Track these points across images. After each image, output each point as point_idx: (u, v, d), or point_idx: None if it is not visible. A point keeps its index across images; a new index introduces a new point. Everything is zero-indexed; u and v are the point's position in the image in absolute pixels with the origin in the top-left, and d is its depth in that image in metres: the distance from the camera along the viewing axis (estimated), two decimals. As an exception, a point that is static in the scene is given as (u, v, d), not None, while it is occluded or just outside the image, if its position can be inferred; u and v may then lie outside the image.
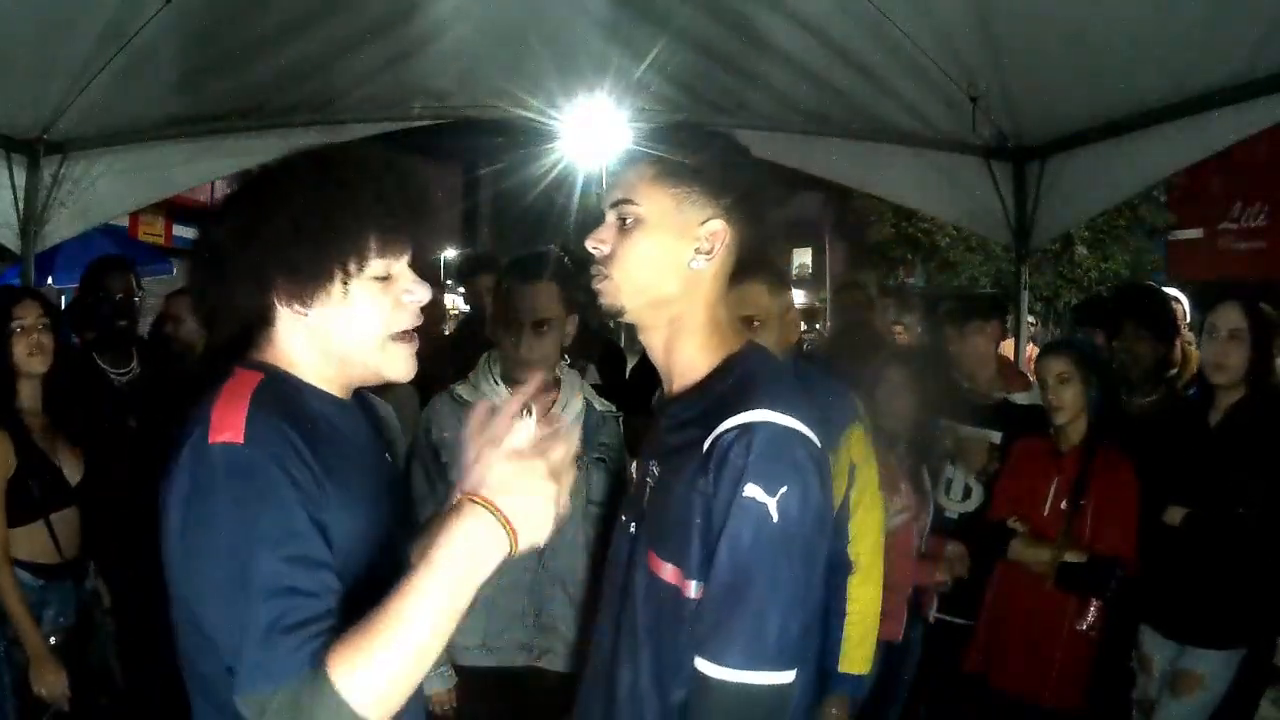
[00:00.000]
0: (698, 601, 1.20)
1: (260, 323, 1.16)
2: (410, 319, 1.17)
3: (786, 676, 1.16)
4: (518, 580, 2.16)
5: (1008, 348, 4.11)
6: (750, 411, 1.18)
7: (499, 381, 2.22)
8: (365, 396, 1.25)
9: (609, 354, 5.10)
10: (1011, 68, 3.47)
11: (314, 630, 0.98)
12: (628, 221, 1.29)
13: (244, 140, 3.95)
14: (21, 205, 3.79)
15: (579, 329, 2.27)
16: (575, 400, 2.26)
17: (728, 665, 1.15)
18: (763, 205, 1.33)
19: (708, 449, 1.19)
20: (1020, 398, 3.18)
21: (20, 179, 3.76)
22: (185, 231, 13.79)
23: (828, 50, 3.55)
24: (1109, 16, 2.94)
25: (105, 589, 2.77)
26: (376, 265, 1.13)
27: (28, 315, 2.57)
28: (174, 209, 12.63)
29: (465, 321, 4.65)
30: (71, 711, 2.52)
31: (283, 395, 1.11)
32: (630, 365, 5.05)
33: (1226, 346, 2.57)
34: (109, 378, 3.24)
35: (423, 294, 1.17)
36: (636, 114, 4.12)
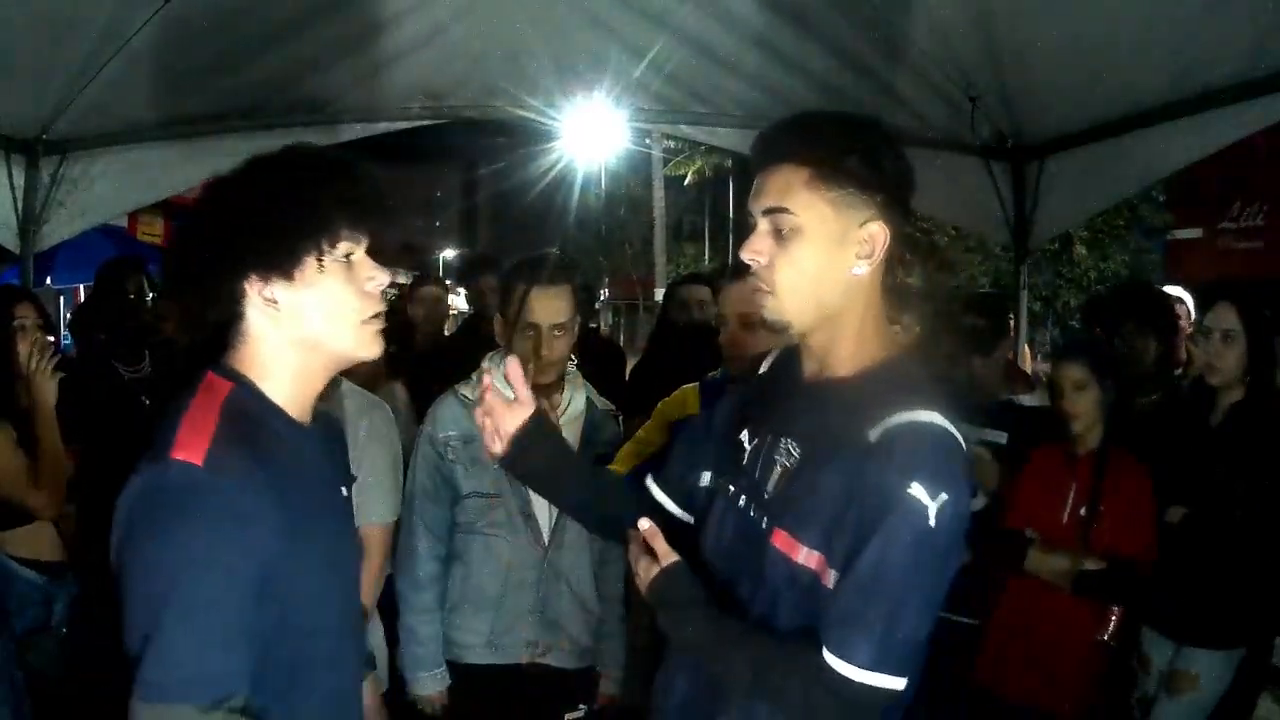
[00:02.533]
0: (832, 591, 1.17)
1: (231, 318, 1.17)
2: (378, 304, 1.22)
3: (900, 683, 1.14)
4: (523, 578, 2.18)
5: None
6: (924, 412, 1.15)
7: (505, 383, 2.22)
8: (328, 417, 1.28)
9: (609, 354, 5.10)
10: (1010, 68, 3.48)
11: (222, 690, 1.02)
12: (784, 232, 1.22)
13: (244, 140, 3.94)
14: (20, 205, 3.79)
15: (581, 329, 2.30)
16: (578, 399, 2.27)
17: (854, 663, 1.12)
18: (910, 194, 1.26)
19: (877, 440, 1.14)
20: (1025, 399, 3.19)
21: (19, 179, 3.76)
22: (184, 231, 13.79)
23: (826, 50, 3.55)
24: (1108, 16, 2.95)
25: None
26: (343, 246, 1.17)
27: (28, 316, 2.59)
28: (173, 209, 12.62)
29: (467, 322, 4.66)
30: (80, 697, 2.53)
31: (251, 415, 1.13)
32: (630, 365, 5.06)
33: (1220, 347, 2.56)
34: (120, 376, 3.25)
35: (383, 278, 1.21)
36: (635, 114, 4.13)
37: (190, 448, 1.04)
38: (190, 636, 1.00)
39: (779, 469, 1.26)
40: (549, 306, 2.11)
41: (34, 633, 2.53)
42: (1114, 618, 2.57)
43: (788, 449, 1.26)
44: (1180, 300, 3.53)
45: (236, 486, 1.04)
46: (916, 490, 1.10)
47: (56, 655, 2.55)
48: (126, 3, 3.07)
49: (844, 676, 1.12)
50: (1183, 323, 3.33)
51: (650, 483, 1.56)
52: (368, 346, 1.21)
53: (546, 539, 2.19)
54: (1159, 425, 2.84)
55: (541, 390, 2.21)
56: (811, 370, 1.31)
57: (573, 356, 2.27)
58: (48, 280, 8.65)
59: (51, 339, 2.65)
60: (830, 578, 1.17)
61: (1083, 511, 2.59)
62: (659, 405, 2.28)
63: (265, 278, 1.14)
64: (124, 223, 11.05)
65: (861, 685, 1.12)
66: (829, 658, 1.13)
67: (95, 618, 2.72)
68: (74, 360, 3.50)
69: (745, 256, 1.26)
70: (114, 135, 3.84)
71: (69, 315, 8.69)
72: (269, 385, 1.18)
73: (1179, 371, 3.23)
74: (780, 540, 1.22)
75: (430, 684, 2.18)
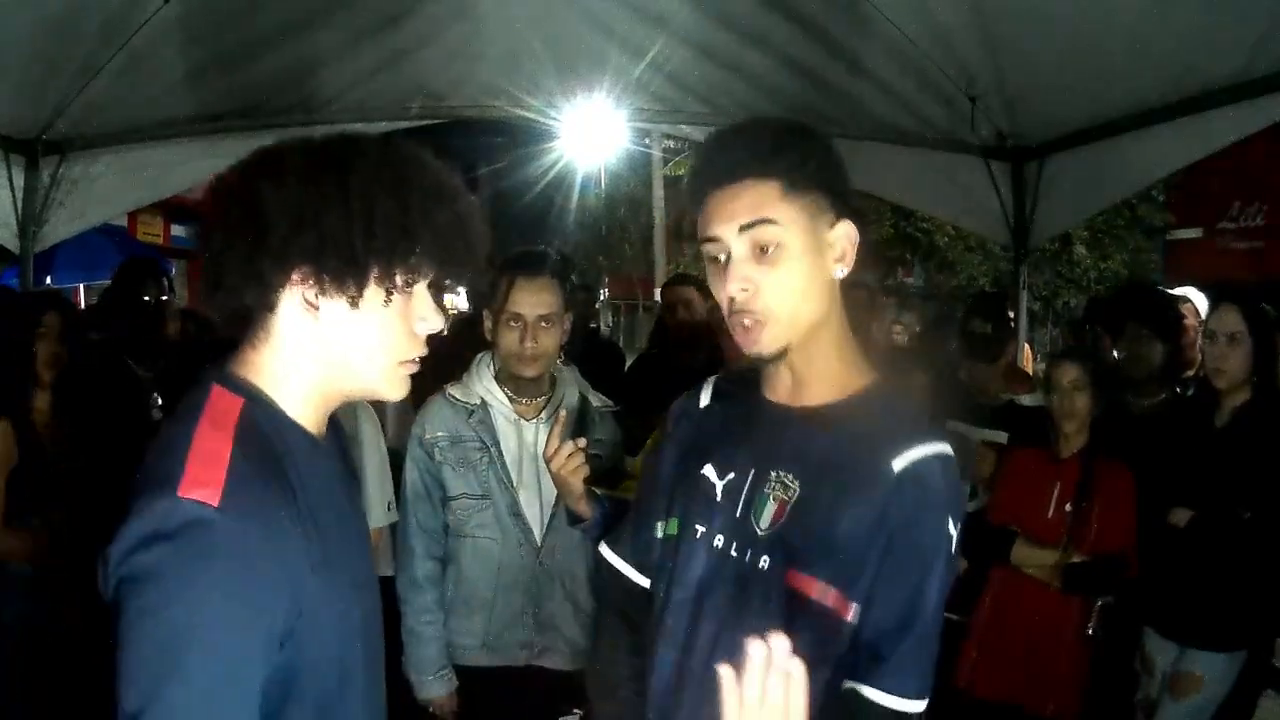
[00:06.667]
0: (857, 626, 1.13)
1: (260, 307, 1.01)
2: (420, 348, 1.07)
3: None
4: (517, 579, 2.17)
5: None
6: (937, 444, 1.15)
7: (494, 382, 2.23)
8: (334, 422, 1.14)
9: (607, 353, 5.11)
10: (1010, 67, 3.47)
11: None
12: (769, 250, 1.14)
13: (243, 140, 3.95)
14: (20, 205, 3.79)
15: (580, 329, 2.28)
16: (570, 395, 2.27)
17: (908, 697, 1.12)
18: (847, 190, 1.23)
19: (904, 473, 1.12)
20: (1026, 399, 3.19)
21: (19, 179, 3.76)
22: (183, 231, 13.82)
23: (826, 50, 3.55)
24: (1108, 16, 2.94)
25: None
26: (414, 279, 1.03)
27: (53, 323, 2.70)
28: (172, 209, 12.63)
29: (464, 322, 4.66)
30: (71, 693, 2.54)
31: (269, 435, 0.98)
32: (628, 364, 5.06)
33: (1226, 350, 2.57)
34: (133, 373, 3.24)
35: (436, 323, 1.07)
36: (635, 114, 4.13)
37: (203, 484, 0.89)
38: (191, 713, 0.87)
39: (774, 503, 1.18)
40: (534, 297, 2.10)
41: (26, 627, 2.53)
42: (1096, 613, 2.59)
43: (783, 482, 1.19)
44: (1186, 299, 3.49)
45: (259, 528, 0.90)
46: (951, 526, 1.13)
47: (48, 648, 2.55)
48: (126, 3, 3.07)
49: (900, 711, 1.12)
50: (1189, 321, 3.30)
51: (604, 549, 1.48)
52: (395, 388, 1.08)
53: (538, 540, 2.19)
54: (1163, 427, 2.83)
55: (529, 385, 2.21)
56: (785, 394, 1.24)
57: (563, 353, 2.26)
58: (47, 280, 8.64)
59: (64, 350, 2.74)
60: (851, 611, 1.13)
61: (1068, 508, 2.63)
62: (664, 417, 2.27)
63: (318, 280, 0.98)
64: (124, 223, 11.05)
65: (915, 715, 1.13)
66: (879, 695, 1.11)
67: (85, 616, 2.73)
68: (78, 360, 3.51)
69: (733, 290, 1.16)
70: (114, 135, 3.84)
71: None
72: (283, 397, 1.02)
73: (1189, 373, 3.21)
74: (793, 578, 1.15)
75: (438, 686, 2.17)
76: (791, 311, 1.16)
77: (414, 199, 1.00)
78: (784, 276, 1.15)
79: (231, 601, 0.88)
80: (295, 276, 0.99)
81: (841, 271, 1.19)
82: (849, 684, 1.13)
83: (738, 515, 1.21)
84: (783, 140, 1.18)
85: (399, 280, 1.01)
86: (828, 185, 1.18)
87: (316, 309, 1.00)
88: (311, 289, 0.99)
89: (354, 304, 1.00)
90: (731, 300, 1.17)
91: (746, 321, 1.17)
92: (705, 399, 1.39)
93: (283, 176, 0.98)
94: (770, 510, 1.18)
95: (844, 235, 1.18)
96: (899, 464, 1.12)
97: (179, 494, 0.88)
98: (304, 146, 1.03)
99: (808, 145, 1.19)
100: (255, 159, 1.03)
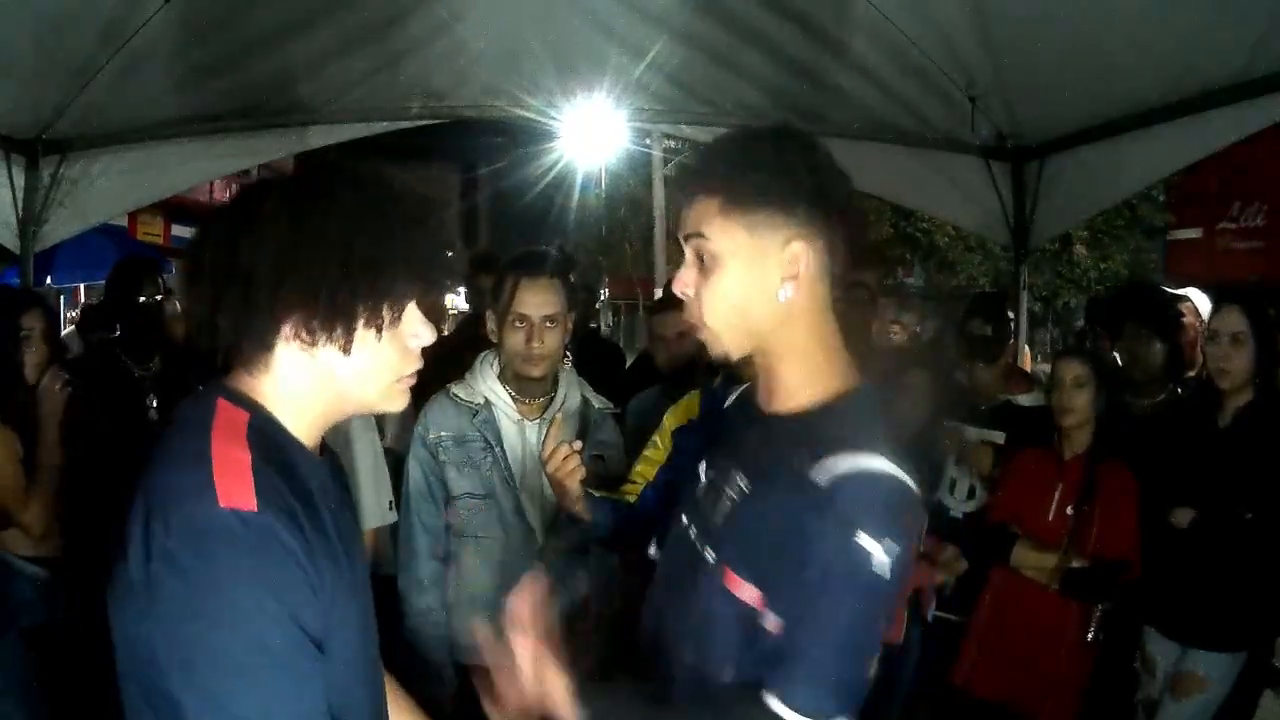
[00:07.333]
0: (775, 635, 1.15)
1: (257, 346, 1.05)
2: (416, 362, 1.12)
3: None
4: (519, 579, 2.17)
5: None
6: (875, 459, 1.12)
7: (497, 382, 2.23)
8: (329, 447, 1.19)
9: (607, 353, 5.11)
10: (1010, 67, 3.48)
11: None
12: (705, 260, 1.21)
13: (243, 140, 3.95)
14: (20, 205, 3.80)
15: (582, 328, 2.29)
16: (573, 395, 2.27)
17: (802, 711, 1.10)
18: (839, 203, 1.22)
19: (825, 486, 1.12)
20: (1023, 399, 3.19)
21: (19, 179, 3.76)
22: (184, 231, 13.84)
23: (826, 49, 3.55)
24: (1108, 16, 2.94)
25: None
26: (400, 311, 1.08)
27: (35, 326, 2.65)
28: (172, 209, 12.64)
29: (465, 321, 4.66)
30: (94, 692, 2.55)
31: (272, 447, 1.03)
32: (628, 363, 5.06)
33: (1229, 351, 2.56)
34: (130, 373, 3.24)
35: (428, 336, 1.11)
36: (635, 114, 4.13)
37: (237, 494, 0.95)
38: (268, 700, 0.94)
39: (727, 502, 1.25)
40: (539, 298, 2.11)
41: (39, 628, 2.54)
42: (1096, 618, 2.59)
43: (737, 482, 1.24)
44: (1186, 299, 3.49)
45: (291, 525, 0.97)
46: (866, 540, 1.09)
47: (61, 650, 2.56)
48: (126, 3, 3.07)
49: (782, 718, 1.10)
50: (1189, 320, 3.29)
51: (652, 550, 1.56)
52: (394, 402, 1.13)
53: (540, 539, 2.19)
54: (1164, 427, 2.83)
55: (533, 385, 2.21)
56: (763, 400, 1.28)
57: (568, 354, 2.27)
58: (48, 280, 8.65)
59: (47, 349, 2.69)
60: (770, 619, 1.16)
61: (1069, 511, 2.63)
62: (665, 417, 2.28)
63: (309, 328, 1.03)
64: (124, 223, 11.07)
65: None
66: (774, 703, 1.11)
67: (92, 612, 2.72)
68: (80, 360, 3.50)
69: (676, 290, 1.26)
70: (114, 135, 3.84)
71: (70, 315, 8.68)
72: (284, 416, 1.07)
73: (1191, 374, 3.21)
74: (727, 574, 1.20)
75: (438, 686, 2.17)
76: (726, 321, 1.22)
77: (391, 233, 1.04)
78: (717, 286, 1.20)
79: (283, 590, 0.95)
80: (286, 328, 1.03)
81: (788, 291, 1.19)
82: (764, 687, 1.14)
83: (705, 511, 1.29)
84: (733, 155, 1.22)
85: (387, 317, 1.05)
86: (781, 201, 1.17)
87: (312, 346, 1.04)
88: (304, 329, 1.03)
89: (346, 350, 1.04)
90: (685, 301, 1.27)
91: (691, 323, 1.26)
92: (729, 400, 1.46)
93: (260, 228, 1.02)
94: (725, 508, 1.25)
95: (794, 255, 1.18)
96: (823, 475, 1.12)
97: (221, 505, 0.94)
98: (278, 193, 1.05)
99: (761, 160, 1.19)
100: (230, 208, 1.06)
